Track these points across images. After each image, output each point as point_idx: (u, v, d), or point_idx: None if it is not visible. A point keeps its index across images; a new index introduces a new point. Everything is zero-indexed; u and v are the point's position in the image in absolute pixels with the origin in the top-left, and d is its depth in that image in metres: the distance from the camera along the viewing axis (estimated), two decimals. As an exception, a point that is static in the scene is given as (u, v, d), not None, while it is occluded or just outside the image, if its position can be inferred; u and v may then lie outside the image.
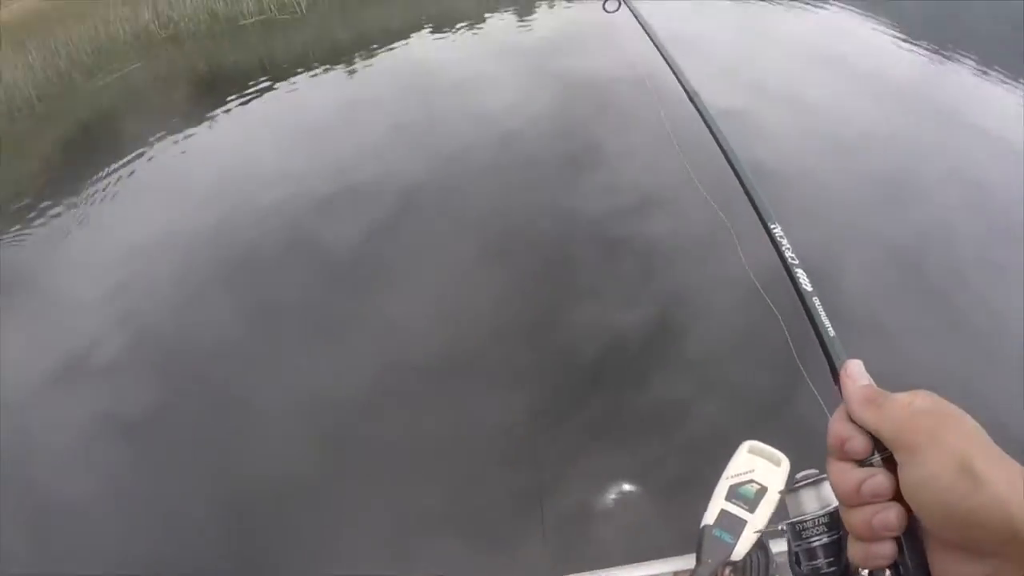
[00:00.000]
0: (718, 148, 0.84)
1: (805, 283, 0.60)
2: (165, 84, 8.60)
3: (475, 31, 8.09)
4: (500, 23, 8.38)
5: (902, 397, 0.44)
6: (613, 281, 3.51)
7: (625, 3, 2.21)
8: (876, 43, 6.95)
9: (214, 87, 8.10)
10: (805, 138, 5.11)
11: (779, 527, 0.69)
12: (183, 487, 2.70)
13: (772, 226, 0.69)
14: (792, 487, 0.67)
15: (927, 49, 6.66)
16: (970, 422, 0.42)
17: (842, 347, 0.52)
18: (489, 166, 4.67)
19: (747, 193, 0.75)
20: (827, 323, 0.55)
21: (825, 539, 0.62)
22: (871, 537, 0.44)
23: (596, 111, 5.19)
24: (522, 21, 8.27)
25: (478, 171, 4.62)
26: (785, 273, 0.62)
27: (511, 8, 8.74)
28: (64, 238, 4.78)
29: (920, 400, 0.43)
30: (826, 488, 0.64)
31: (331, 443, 2.81)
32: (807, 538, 0.63)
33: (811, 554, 0.62)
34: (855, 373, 0.49)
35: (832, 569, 0.61)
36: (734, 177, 0.79)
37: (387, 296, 3.53)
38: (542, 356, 3.10)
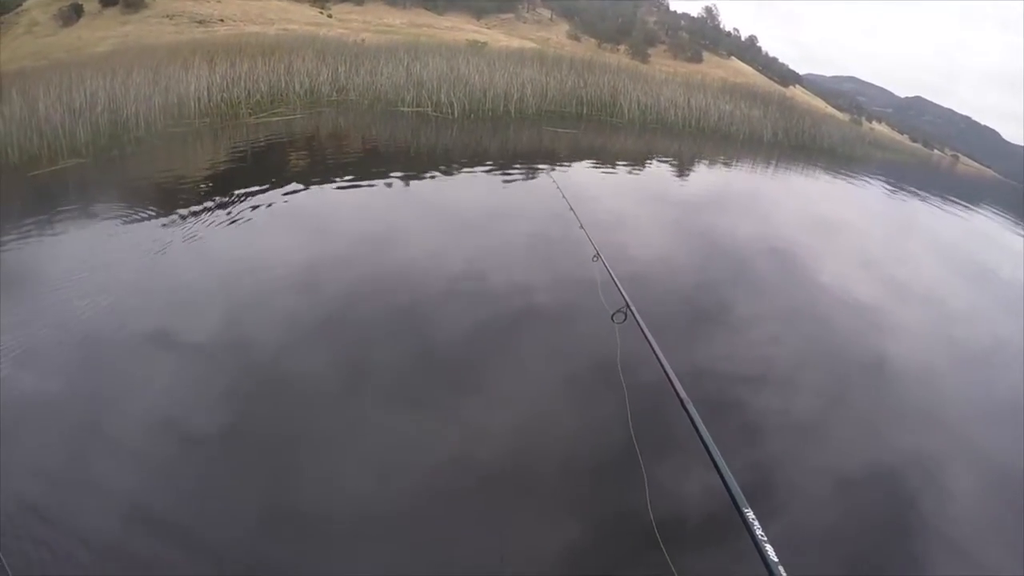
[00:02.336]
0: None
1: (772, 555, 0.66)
2: (317, 138, 9.27)
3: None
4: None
5: None
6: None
7: (631, 314, 2.24)
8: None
9: (366, 154, 8.61)
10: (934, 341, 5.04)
11: None
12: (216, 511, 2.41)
13: (745, 510, 0.75)
14: None
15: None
16: None
17: None
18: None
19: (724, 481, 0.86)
20: None
21: None
22: None
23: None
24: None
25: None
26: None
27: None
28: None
29: None
30: None
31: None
32: None
33: None
34: None
35: None
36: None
37: (469, 395, 3.21)
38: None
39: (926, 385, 4.15)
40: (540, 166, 8.54)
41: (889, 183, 16.69)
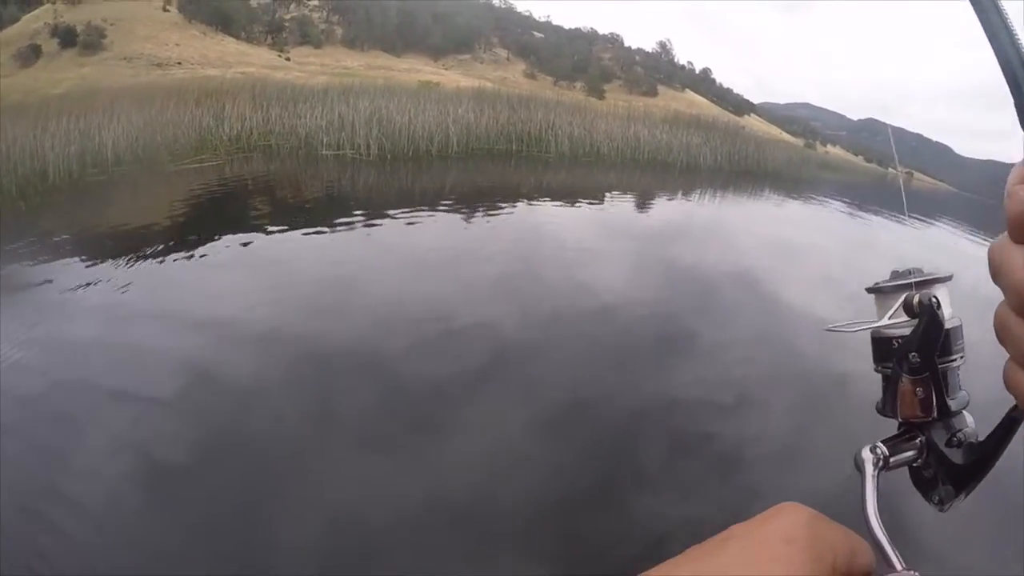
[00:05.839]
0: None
1: None
2: (231, 184, 9.45)
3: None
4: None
5: None
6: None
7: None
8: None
9: (286, 197, 8.83)
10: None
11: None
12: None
13: None
14: (888, 284, 0.44)
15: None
16: None
17: None
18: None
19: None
20: None
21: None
22: None
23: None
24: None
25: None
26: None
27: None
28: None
29: None
30: (946, 293, 0.43)
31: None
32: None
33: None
34: None
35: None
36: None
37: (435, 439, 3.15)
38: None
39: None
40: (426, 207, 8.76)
41: (845, 203, 17.35)
